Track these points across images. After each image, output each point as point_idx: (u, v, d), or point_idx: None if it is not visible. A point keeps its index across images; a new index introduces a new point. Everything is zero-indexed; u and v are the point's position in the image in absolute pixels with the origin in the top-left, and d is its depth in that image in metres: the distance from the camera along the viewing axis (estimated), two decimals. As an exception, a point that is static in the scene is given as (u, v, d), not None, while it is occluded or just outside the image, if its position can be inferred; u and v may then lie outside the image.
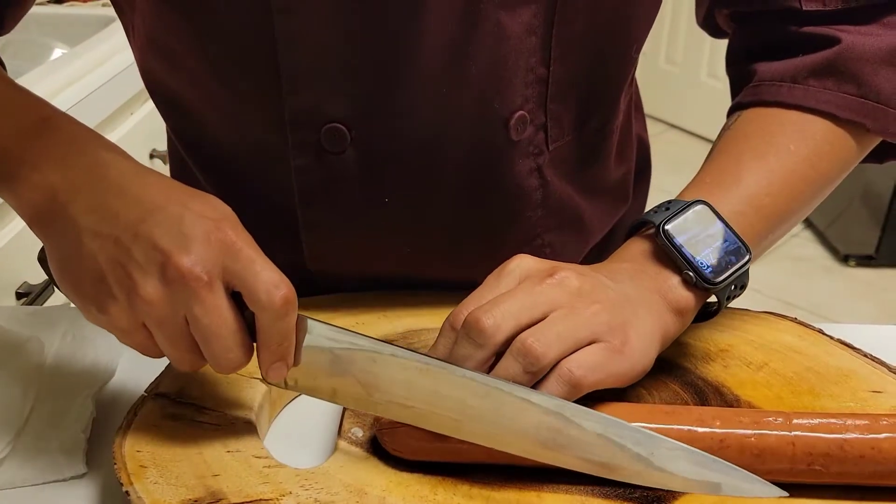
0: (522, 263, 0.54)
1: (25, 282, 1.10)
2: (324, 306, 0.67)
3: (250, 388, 0.57)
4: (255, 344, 0.50)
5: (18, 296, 1.09)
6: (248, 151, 0.67)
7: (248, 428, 0.54)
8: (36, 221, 0.51)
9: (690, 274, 0.56)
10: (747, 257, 0.57)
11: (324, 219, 0.66)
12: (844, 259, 2.70)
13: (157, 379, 0.58)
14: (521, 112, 0.63)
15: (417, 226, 0.67)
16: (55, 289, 0.52)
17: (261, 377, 0.51)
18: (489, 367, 0.51)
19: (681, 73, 3.60)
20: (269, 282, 0.47)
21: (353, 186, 0.64)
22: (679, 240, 0.56)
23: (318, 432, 0.57)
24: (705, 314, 0.59)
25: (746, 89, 0.67)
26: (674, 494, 0.49)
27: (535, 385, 0.50)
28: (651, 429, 0.49)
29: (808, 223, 2.88)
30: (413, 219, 0.66)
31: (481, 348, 0.50)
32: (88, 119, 1.25)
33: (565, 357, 0.50)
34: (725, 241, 0.57)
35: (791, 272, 2.64)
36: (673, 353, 0.60)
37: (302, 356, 0.50)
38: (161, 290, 0.47)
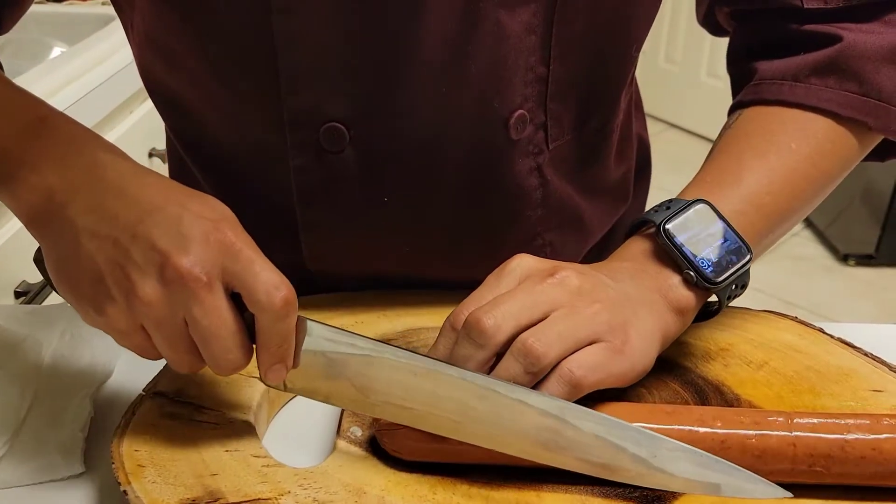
0: (523, 263, 0.54)
1: (24, 281, 1.09)
2: (323, 305, 0.67)
3: (249, 387, 0.57)
4: (254, 345, 0.49)
5: (17, 295, 1.09)
6: (247, 151, 0.67)
7: (246, 427, 0.54)
8: (33, 222, 0.51)
9: (691, 273, 0.55)
10: (748, 256, 0.57)
11: (323, 218, 0.66)
12: (844, 258, 2.69)
13: (155, 378, 0.57)
14: (520, 111, 0.62)
15: (417, 225, 0.66)
16: (56, 291, 0.52)
17: (259, 378, 0.50)
18: (490, 367, 0.51)
19: (680, 72, 3.60)
20: (268, 283, 0.47)
21: (352, 186, 0.64)
22: (680, 239, 0.56)
23: (317, 432, 0.57)
24: (706, 313, 0.59)
25: (747, 88, 0.67)
26: (674, 494, 0.49)
27: (536, 385, 0.50)
28: (652, 429, 0.49)
29: (808, 222, 2.88)
30: (413, 218, 0.66)
31: (482, 349, 0.50)
32: (87, 118, 1.25)
33: (566, 357, 0.50)
34: (726, 240, 0.57)
35: (791, 271, 2.64)
36: (673, 352, 0.60)
37: (301, 358, 0.50)
38: (160, 291, 0.46)
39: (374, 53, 0.59)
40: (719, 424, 0.49)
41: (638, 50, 0.69)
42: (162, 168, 1.31)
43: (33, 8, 0.72)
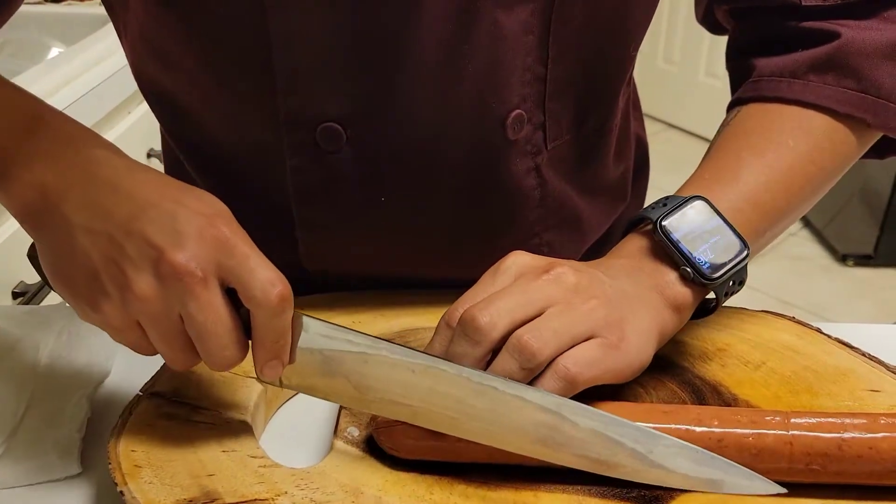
0: (518, 260, 0.54)
1: (22, 281, 1.09)
2: (320, 305, 0.67)
3: (246, 387, 0.57)
4: (249, 342, 0.49)
5: (14, 295, 1.09)
6: (244, 151, 0.67)
7: (243, 427, 0.54)
8: (27, 219, 0.51)
9: (688, 270, 0.55)
10: (745, 253, 0.57)
11: (320, 218, 0.66)
12: (843, 258, 2.70)
13: (152, 378, 0.57)
14: (517, 111, 0.62)
15: (415, 225, 0.66)
16: (51, 288, 0.52)
17: (255, 376, 0.50)
18: (486, 364, 0.50)
19: (679, 72, 3.60)
20: (264, 279, 0.47)
21: (349, 186, 0.64)
22: (676, 235, 0.56)
23: (314, 432, 0.57)
24: (703, 310, 0.59)
25: (746, 84, 0.67)
26: (671, 493, 0.49)
27: (532, 382, 0.50)
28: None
29: (807, 222, 2.88)
30: (410, 218, 0.66)
31: (477, 345, 0.50)
32: (86, 118, 1.25)
33: (562, 353, 0.50)
34: (723, 237, 0.57)
35: (789, 271, 2.64)
36: (671, 352, 0.60)
37: (297, 354, 0.50)
38: (155, 287, 0.46)
39: (371, 53, 0.59)
40: (716, 423, 0.49)
41: (636, 49, 0.69)
42: (161, 168, 1.30)
43: (31, 8, 0.72)
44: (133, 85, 0.71)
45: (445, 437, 0.50)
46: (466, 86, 0.60)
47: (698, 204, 0.57)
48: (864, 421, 0.48)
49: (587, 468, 0.49)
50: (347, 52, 0.59)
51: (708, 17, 0.74)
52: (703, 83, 3.48)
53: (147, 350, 0.49)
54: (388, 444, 0.51)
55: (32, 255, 0.52)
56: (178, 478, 0.48)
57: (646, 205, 0.74)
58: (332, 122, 0.61)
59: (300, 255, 0.68)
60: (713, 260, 0.56)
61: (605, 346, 0.51)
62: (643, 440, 0.48)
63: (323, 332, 0.50)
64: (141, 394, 0.56)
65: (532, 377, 0.50)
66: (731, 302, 0.61)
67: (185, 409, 0.55)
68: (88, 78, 1.29)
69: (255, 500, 0.47)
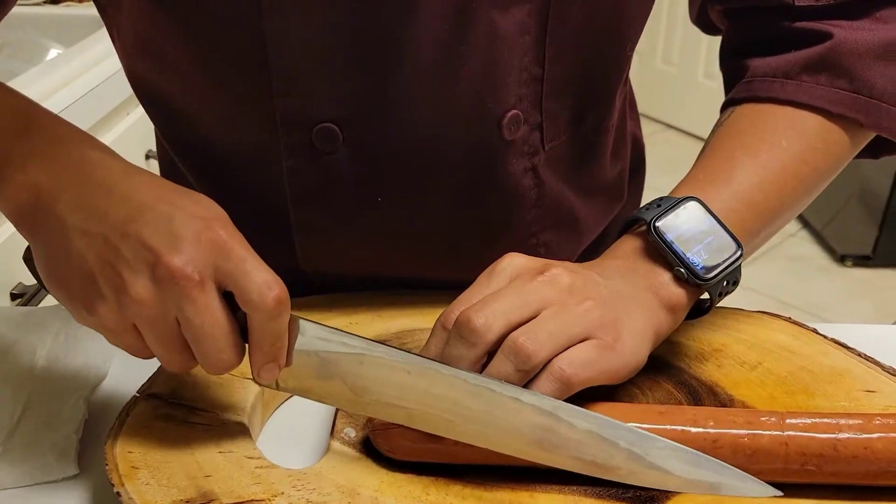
0: (513, 262, 0.54)
1: (20, 282, 1.09)
2: (317, 306, 0.67)
3: (243, 388, 0.57)
4: (246, 345, 0.49)
5: (13, 297, 1.09)
6: (241, 153, 0.67)
7: (240, 429, 0.54)
8: (22, 221, 0.51)
9: (682, 270, 0.55)
10: (739, 253, 0.57)
11: (317, 219, 0.66)
12: (841, 259, 2.70)
13: (149, 380, 0.57)
14: (514, 111, 0.62)
15: (411, 226, 0.66)
16: (47, 291, 0.51)
17: (252, 378, 0.50)
18: (482, 366, 0.51)
19: (677, 73, 3.60)
20: (261, 282, 0.47)
21: (346, 187, 0.64)
22: (670, 236, 0.56)
23: (311, 433, 0.57)
24: (698, 311, 0.59)
25: (739, 85, 0.67)
26: (667, 494, 0.49)
27: (528, 383, 0.50)
28: (644, 429, 0.49)
29: (805, 223, 2.88)
30: (407, 219, 0.66)
31: (473, 348, 0.50)
32: (84, 119, 1.25)
33: (557, 355, 0.50)
34: (717, 237, 0.57)
35: (788, 272, 2.64)
36: (667, 353, 0.60)
37: (294, 357, 0.50)
38: (151, 290, 0.46)
39: (367, 54, 0.59)
40: (711, 424, 0.49)
41: (632, 49, 0.69)
42: (158, 171, 1.30)
43: (30, 9, 0.72)
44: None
45: (442, 440, 0.50)
46: (463, 86, 0.60)
47: (692, 205, 0.58)
48: (859, 421, 0.48)
49: (584, 471, 0.49)
50: (344, 52, 0.59)
51: (702, 18, 0.74)
52: (701, 84, 3.48)
53: (143, 353, 0.49)
54: (385, 447, 0.51)
55: (28, 258, 0.52)
56: (175, 479, 0.49)
57: (642, 205, 0.75)
58: (328, 122, 0.61)
59: (297, 258, 0.69)
60: (707, 260, 0.56)
61: (601, 348, 0.51)
62: (638, 442, 0.48)
63: (319, 335, 0.50)
64: (138, 395, 0.56)
65: (528, 379, 0.50)
66: (729, 302, 0.61)
67: (182, 411, 0.55)
68: (87, 79, 1.29)
69: (252, 500, 0.47)
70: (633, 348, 0.52)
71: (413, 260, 0.68)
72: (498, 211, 0.67)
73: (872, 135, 0.66)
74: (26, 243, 0.52)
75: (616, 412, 0.50)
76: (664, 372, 0.59)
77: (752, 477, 0.48)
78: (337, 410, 0.56)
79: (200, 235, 0.47)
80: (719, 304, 0.59)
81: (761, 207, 0.61)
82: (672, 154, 3.13)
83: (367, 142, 0.62)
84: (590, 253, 0.78)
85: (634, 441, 0.48)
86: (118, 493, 0.47)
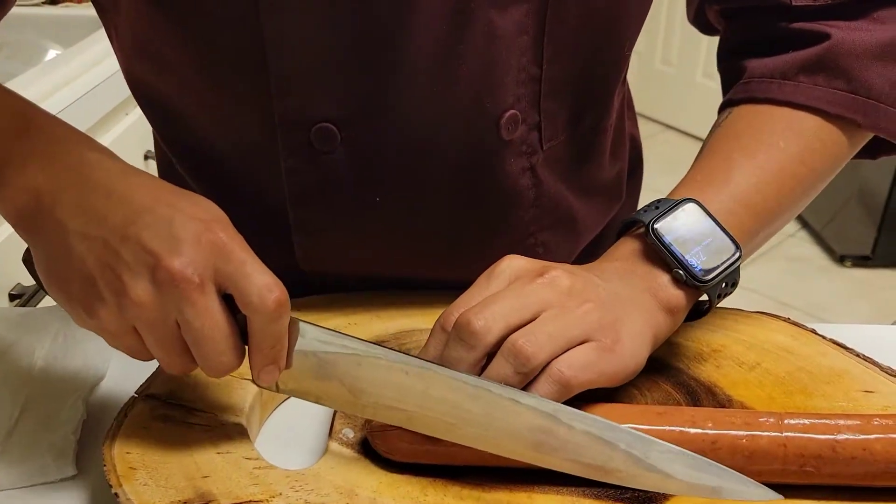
0: (513, 264, 0.54)
1: (18, 283, 1.09)
2: (316, 306, 0.67)
3: (241, 389, 0.57)
4: (246, 347, 0.49)
5: (11, 297, 1.09)
6: (239, 154, 0.67)
7: (238, 429, 0.54)
8: (21, 223, 0.50)
9: (680, 272, 0.55)
10: (737, 255, 0.57)
11: (316, 219, 0.66)
12: (840, 259, 2.70)
13: (147, 380, 0.57)
14: (512, 111, 0.62)
15: (410, 226, 0.66)
16: (46, 293, 0.51)
17: (252, 379, 0.50)
18: (481, 368, 0.51)
19: (676, 73, 3.60)
20: (261, 284, 0.47)
21: (344, 186, 0.64)
22: (668, 238, 0.56)
23: (309, 434, 0.57)
24: (697, 313, 0.59)
25: (737, 86, 0.67)
26: (665, 495, 0.49)
27: (527, 386, 0.50)
28: (643, 430, 0.49)
29: (804, 223, 2.88)
30: (405, 219, 0.66)
31: (472, 350, 0.50)
32: (83, 120, 1.25)
33: (556, 357, 0.50)
34: (715, 239, 0.57)
35: (787, 272, 2.64)
36: (665, 353, 0.60)
37: (294, 359, 0.50)
38: (151, 293, 0.46)
39: (365, 53, 0.59)
40: (710, 425, 0.49)
41: (630, 48, 0.69)
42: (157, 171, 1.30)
43: (29, 10, 0.72)
44: (131, 87, 0.71)
45: (440, 441, 0.50)
46: (461, 86, 0.60)
47: (690, 206, 0.58)
48: (858, 422, 0.48)
49: (582, 473, 0.49)
50: (342, 52, 0.59)
51: (699, 17, 0.74)
52: (700, 84, 3.48)
53: (143, 355, 0.49)
54: (383, 448, 0.51)
55: (27, 260, 0.52)
56: (173, 480, 0.48)
57: (639, 205, 0.75)
58: (326, 122, 0.61)
59: (297, 258, 0.68)
60: (705, 262, 0.56)
61: (600, 350, 0.51)
62: (638, 445, 0.48)
63: (320, 337, 0.50)
64: (136, 396, 0.56)
65: (527, 381, 0.50)
66: (728, 302, 0.61)
67: (180, 412, 0.55)
68: (86, 80, 1.29)
69: (250, 501, 0.47)
70: (632, 350, 0.52)
71: (411, 259, 0.68)
72: (496, 210, 0.67)
73: (870, 135, 0.66)
74: (23, 244, 0.52)
75: (615, 413, 0.50)
76: (663, 372, 0.59)
77: (753, 481, 0.48)
78: (335, 411, 0.56)
79: (200, 238, 0.46)
80: (718, 305, 0.59)
81: (759, 209, 0.61)
82: (671, 155, 3.13)
83: (365, 141, 0.62)
84: (588, 253, 0.78)
85: (633, 444, 0.48)
86: (116, 493, 0.47)
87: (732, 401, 0.57)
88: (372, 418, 0.51)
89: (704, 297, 0.57)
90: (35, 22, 1.60)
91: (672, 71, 3.62)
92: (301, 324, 0.50)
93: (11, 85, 0.56)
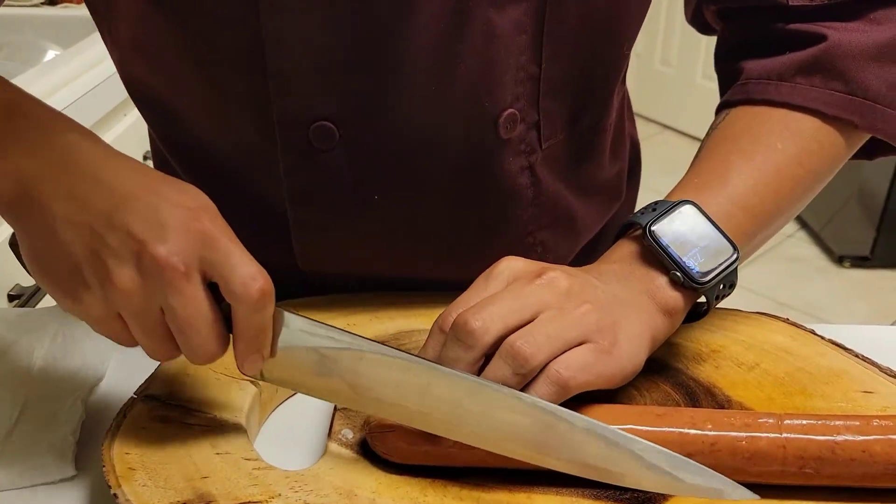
0: (511, 265, 0.54)
1: (17, 284, 1.09)
2: (316, 306, 0.67)
3: (240, 390, 0.57)
4: (231, 335, 0.49)
5: (10, 298, 1.09)
6: (238, 154, 0.67)
7: (237, 430, 0.54)
8: (6, 209, 0.50)
9: (678, 274, 0.55)
10: (735, 257, 0.57)
11: (314, 218, 0.66)
12: (839, 260, 2.70)
13: (146, 381, 0.57)
14: (510, 110, 0.63)
15: (409, 225, 0.66)
16: (32, 277, 0.51)
17: (237, 367, 0.50)
18: (479, 369, 0.51)
19: (676, 74, 3.60)
20: (245, 273, 0.47)
21: (343, 185, 0.64)
22: (665, 240, 0.56)
23: (308, 434, 0.57)
24: (695, 314, 0.59)
25: (734, 87, 0.67)
26: (665, 495, 0.49)
27: (525, 387, 0.50)
28: (642, 431, 0.49)
29: (803, 224, 2.88)
30: (404, 217, 0.66)
31: (470, 350, 0.50)
32: (82, 120, 1.23)
33: (554, 358, 0.50)
34: (713, 241, 0.57)
35: (786, 273, 2.64)
36: (664, 354, 0.60)
37: (285, 354, 0.50)
38: (136, 280, 0.46)
39: (364, 52, 0.59)
40: (709, 426, 0.49)
41: (629, 48, 0.69)
42: (156, 171, 1.30)
43: (28, 11, 0.72)
44: (130, 88, 0.70)
45: (439, 442, 0.50)
46: (460, 85, 0.61)
47: (687, 208, 0.58)
48: (857, 423, 0.48)
49: (582, 473, 0.48)
50: (341, 52, 0.59)
51: (697, 18, 0.74)
52: (700, 85, 3.48)
53: (128, 341, 0.49)
54: (382, 449, 0.51)
55: (14, 244, 0.52)
56: (172, 480, 0.48)
57: (638, 205, 0.74)
58: (325, 121, 0.61)
59: (296, 258, 0.68)
60: (703, 264, 0.56)
61: (598, 351, 0.51)
62: (637, 446, 0.47)
63: (304, 327, 0.50)
64: (135, 396, 0.56)
65: (525, 382, 0.50)
66: (727, 303, 0.61)
67: (179, 412, 0.55)
68: (85, 80, 1.29)
69: (249, 502, 0.47)
70: (630, 352, 0.52)
71: (411, 258, 0.68)
72: (495, 209, 0.67)
73: (867, 136, 0.66)
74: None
75: (614, 414, 0.50)
76: (662, 373, 0.59)
77: (731, 480, 0.47)
78: (334, 411, 0.56)
79: (187, 225, 0.46)
80: (717, 306, 0.59)
81: (757, 210, 0.61)
82: (670, 155, 3.13)
83: (363, 140, 0.62)
84: (587, 252, 0.78)
85: (633, 444, 0.48)
86: (115, 494, 0.47)
87: (731, 401, 0.57)
88: (370, 413, 0.51)
89: (702, 299, 0.57)
90: (34, 22, 1.60)
91: (671, 72, 3.62)
92: (285, 314, 0.50)
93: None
